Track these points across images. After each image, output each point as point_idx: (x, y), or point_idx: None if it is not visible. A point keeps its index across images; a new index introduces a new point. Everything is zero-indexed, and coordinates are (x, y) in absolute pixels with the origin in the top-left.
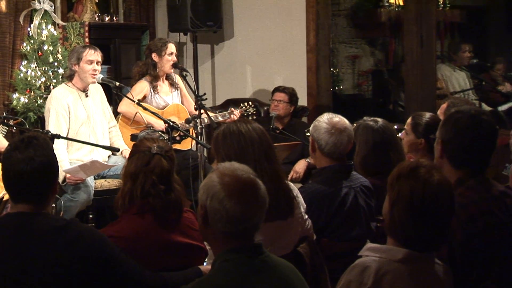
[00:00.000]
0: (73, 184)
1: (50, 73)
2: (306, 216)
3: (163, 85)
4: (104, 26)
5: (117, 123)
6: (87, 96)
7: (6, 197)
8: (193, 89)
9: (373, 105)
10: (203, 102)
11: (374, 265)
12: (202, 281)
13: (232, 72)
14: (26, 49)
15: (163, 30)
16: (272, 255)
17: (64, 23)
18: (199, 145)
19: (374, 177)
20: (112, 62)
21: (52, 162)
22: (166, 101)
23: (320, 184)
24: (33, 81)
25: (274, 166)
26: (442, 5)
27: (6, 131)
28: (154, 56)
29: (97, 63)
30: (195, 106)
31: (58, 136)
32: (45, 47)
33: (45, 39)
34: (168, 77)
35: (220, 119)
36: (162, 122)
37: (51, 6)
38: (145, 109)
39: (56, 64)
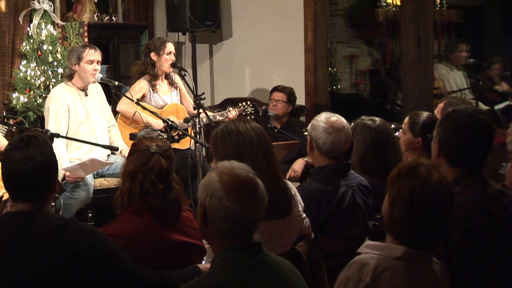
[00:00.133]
0: (72, 182)
1: (50, 73)
2: (304, 215)
3: (162, 85)
4: (103, 26)
5: (116, 122)
6: (86, 95)
7: (6, 196)
8: (192, 88)
9: (371, 104)
10: (202, 102)
11: (373, 262)
12: (202, 279)
13: (231, 71)
14: (26, 48)
15: (162, 29)
16: (271, 253)
17: (63, 23)
18: (198, 144)
19: (371, 176)
20: (111, 61)
21: (51, 161)
22: (164, 100)
23: (318, 183)
24: (33, 81)
25: (272, 165)
26: (439, 5)
27: (6, 130)
28: (153, 55)
29: (97, 62)
30: (194, 106)
31: (58, 135)
32: (45, 47)
33: (44, 38)
34: (167, 77)
35: (218, 118)
36: (160, 121)
37: (51, 6)
38: (144, 108)
39: (55, 63)
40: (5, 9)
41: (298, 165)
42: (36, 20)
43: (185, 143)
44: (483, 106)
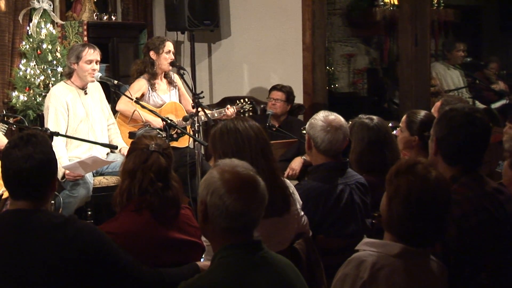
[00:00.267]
0: (72, 180)
1: (49, 72)
2: (302, 213)
3: (161, 83)
4: (103, 25)
5: (115, 121)
6: (86, 94)
7: (6, 194)
8: (191, 87)
9: (368, 103)
10: (201, 100)
11: (371, 259)
12: (202, 276)
13: (229, 70)
14: (25, 47)
15: (161, 29)
16: (271, 251)
17: (62, 22)
18: (197, 142)
19: (369, 174)
20: (110, 60)
21: (51, 160)
22: (163, 99)
23: (316, 181)
24: (32, 80)
25: (270, 163)
26: (436, 4)
27: (5, 129)
28: (152, 54)
29: (96, 62)
30: (193, 104)
31: (57, 134)
32: (44, 46)
33: (44, 37)
34: (166, 76)
35: (216, 116)
36: (159, 120)
37: (50, 5)
38: (143, 107)
39: (55, 62)
40: (4, 8)
41: (296, 163)
42: (35, 19)
43: (184, 142)
44: (480, 105)
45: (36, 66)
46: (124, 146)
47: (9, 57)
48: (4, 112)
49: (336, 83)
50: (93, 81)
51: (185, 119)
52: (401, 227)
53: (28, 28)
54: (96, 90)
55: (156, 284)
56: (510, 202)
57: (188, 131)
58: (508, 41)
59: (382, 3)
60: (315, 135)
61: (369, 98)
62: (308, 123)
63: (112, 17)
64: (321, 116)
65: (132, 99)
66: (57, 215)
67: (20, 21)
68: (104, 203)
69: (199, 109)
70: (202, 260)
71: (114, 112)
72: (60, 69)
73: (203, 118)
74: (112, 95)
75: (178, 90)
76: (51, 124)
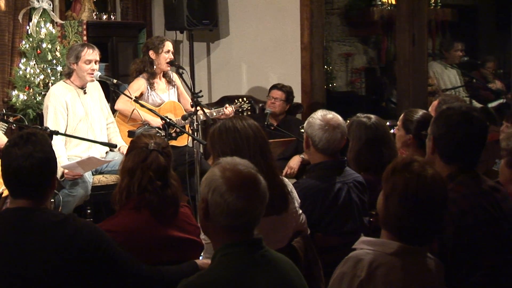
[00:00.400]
0: (71, 179)
1: (49, 71)
2: (300, 211)
3: (160, 83)
4: (102, 24)
5: (114, 120)
6: (85, 93)
7: (6, 192)
8: (190, 86)
9: (366, 102)
10: (199, 99)
11: (368, 257)
12: (203, 274)
13: (228, 69)
14: (25, 47)
15: (160, 28)
16: (271, 250)
17: (62, 22)
18: (195, 141)
19: (367, 172)
20: (110, 60)
21: (50, 158)
22: (162, 98)
23: (314, 179)
24: (32, 79)
25: (269, 162)
26: (433, 4)
27: (5, 128)
28: (151, 53)
29: (95, 62)
30: (192, 103)
31: (57, 133)
32: (44, 45)
33: (43, 37)
34: (165, 75)
35: (215, 115)
36: (158, 119)
37: (50, 5)
38: (142, 106)
39: (54, 61)
40: (4, 7)
41: (295, 162)
42: (35, 19)
43: (183, 141)
44: (477, 104)
45: (35, 65)
46: (123, 145)
47: (9, 56)
48: (4, 111)
49: (334, 82)
50: (92, 81)
51: (184, 118)
52: (398, 225)
53: (28, 27)
54: (95, 89)
55: (155, 282)
56: (507, 200)
57: (187, 130)
58: (505, 40)
59: (379, 2)
60: (313, 134)
61: (367, 97)
62: (306, 122)
63: (112, 16)
64: (319, 115)
65: (131, 98)
66: (56, 213)
67: (20, 21)
68: (103, 201)
69: (198, 108)
70: (201, 258)
71: (113, 111)
72: (59, 68)
73: (201, 117)
74: (112, 94)
75: (177, 89)
76: (50, 123)
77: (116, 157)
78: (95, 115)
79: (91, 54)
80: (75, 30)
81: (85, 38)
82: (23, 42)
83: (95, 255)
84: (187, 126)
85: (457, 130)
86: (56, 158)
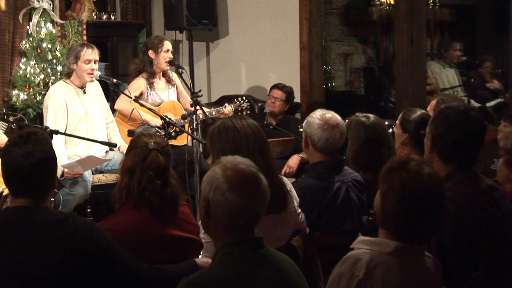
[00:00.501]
0: (71, 178)
1: (49, 70)
2: (299, 210)
3: (160, 82)
4: (102, 24)
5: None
6: (85, 93)
7: (6, 191)
8: (189, 86)
9: (365, 101)
10: (199, 99)
11: (366, 257)
12: (203, 273)
13: (227, 69)
14: (25, 46)
15: (159, 28)
16: (272, 249)
17: (62, 21)
18: (195, 140)
19: (365, 171)
20: (110, 59)
21: (50, 157)
22: (162, 98)
23: (313, 178)
24: (32, 78)
25: (268, 161)
26: (432, 4)
27: (5, 127)
28: (151, 53)
29: (94, 62)
30: (191, 103)
31: (57, 132)
32: (44, 45)
33: (43, 37)
34: (165, 74)
35: (214, 114)
36: (158, 118)
37: (50, 5)
38: (142, 105)
39: (54, 61)
40: (5, 7)
41: (293, 161)
42: (35, 19)
43: (182, 140)
44: (475, 103)
45: (36, 65)
46: (123, 144)
47: (9, 56)
48: (4, 111)
49: (333, 81)
50: (92, 81)
51: (183, 117)
52: (395, 224)
53: (28, 27)
54: (95, 89)
55: (154, 281)
56: (505, 199)
57: (186, 129)
58: (503, 40)
59: (378, 2)
60: (312, 133)
61: (365, 97)
62: (305, 122)
63: (111, 16)
64: (318, 115)
65: (131, 98)
66: (56, 212)
67: (20, 20)
68: (103, 200)
69: (197, 107)
70: (200, 257)
71: (113, 111)
72: (59, 68)
73: (201, 117)
74: (111, 93)
75: (177, 88)
76: (50, 123)
77: (116, 156)
78: (94, 115)
79: (91, 54)
80: (75, 30)
81: (85, 38)
82: (23, 42)
83: (95, 254)
84: (186, 126)
85: (455, 129)
86: (56, 158)
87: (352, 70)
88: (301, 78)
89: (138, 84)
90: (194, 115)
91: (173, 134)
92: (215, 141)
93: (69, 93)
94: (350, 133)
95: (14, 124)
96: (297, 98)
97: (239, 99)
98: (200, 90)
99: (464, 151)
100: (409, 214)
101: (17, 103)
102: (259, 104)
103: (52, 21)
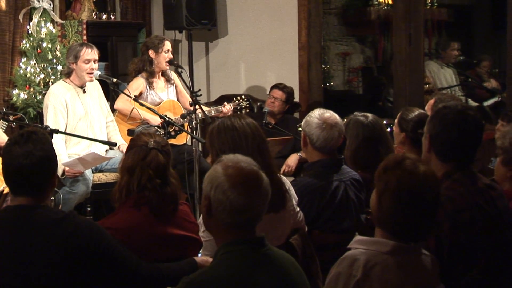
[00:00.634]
0: (71, 177)
1: (49, 70)
2: (298, 209)
3: (159, 81)
4: (102, 24)
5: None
6: (84, 92)
7: (6, 190)
8: (188, 85)
9: (363, 100)
10: (198, 98)
11: (363, 257)
12: (204, 272)
13: (226, 69)
14: (26, 46)
15: (159, 28)
16: (273, 248)
17: (62, 21)
18: (194, 140)
19: (364, 170)
20: (109, 59)
21: (51, 156)
22: (161, 97)
23: (312, 177)
24: (32, 78)
25: (267, 160)
26: (429, 4)
27: (6, 126)
28: (151, 52)
29: (94, 61)
30: (190, 102)
31: (57, 131)
32: (44, 45)
33: (44, 36)
34: (164, 74)
35: (213, 113)
36: (157, 118)
37: (50, 5)
38: (141, 105)
39: (54, 61)
40: (5, 7)
41: (292, 160)
42: (35, 18)
43: (182, 139)
44: (472, 103)
45: (36, 64)
46: (123, 143)
47: (9, 56)
48: (5, 110)
49: (331, 81)
50: (91, 81)
51: (183, 116)
52: (391, 222)
53: (28, 27)
54: (94, 88)
55: (154, 279)
56: (502, 198)
57: (186, 128)
58: (500, 39)
59: (376, 2)
60: (310, 132)
61: (364, 96)
62: (304, 121)
63: (111, 16)
64: (317, 114)
65: (130, 97)
66: (57, 210)
67: (21, 20)
68: (103, 199)
69: (197, 106)
70: (199, 255)
71: (113, 110)
72: (60, 68)
73: (200, 116)
74: (111, 93)
75: (176, 87)
76: (50, 122)
77: (116, 155)
78: (94, 114)
79: (90, 53)
80: (75, 29)
81: (85, 37)
82: (24, 42)
83: (95, 252)
84: (186, 125)
85: (452, 128)
86: (56, 156)
87: (351, 70)
88: (300, 77)
89: (138, 84)
90: (194, 114)
91: (172, 133)
92: (214, 140)
93: (69, 93)
94: (348, 132)
95: (14, 123)
96: (296, 98)
97: (238, 98)
98: (199, 90)
99: (461, 150)
100: (405, 213)
101: (18, 103)
102: (258, 104)
103: (52, 21)
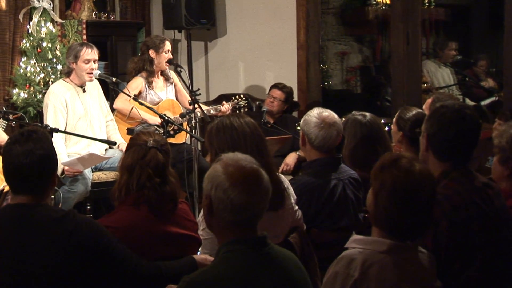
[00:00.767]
0: (71, 176)
1: (49, 69)
2: (297, 207)
3: (158, 81)
4: (101, 23)
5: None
6: (84, 91)
7: (7, 188)
8: (188, 84)
9: (361, 100)
10: (197, 97)
11: (360, 257)
12: (205, 271)
13: (225, 68)
14: (26, 45)
15: (158, 27)
16: (275, 246)
17: (62, 21)
18: (193, 138)
19: (362, 169)
20: (109, 58)
21: (51, 155)
22: (160, 96)
23: (310, 176)
24: (33, 77)
25: (265, 159)
26: (427, 4)
27: (6, 125)
28: (151, 52)
29: (94, 61)
30: (189, 101)
31: (57, 130)
32: (44, 44)
33: (44, 36)
34: (163, 73)
35: (212, 112)
36: (156, 117)
37: (50, 4)
38: (141, 104)
39: (54, 60)
40: (5, 7)
41: (291, 159)
42: (35, 18)
43: (181, 138)
44: (469, 102)
45: (36, 64)
46: (122, 142)
47: (9, 55)
48: (5, 109)
49: (329, 80)
50: (91, 81)
51: (182, 115)
52: (388, 221)
53: (28, 26)
54: (94, 88)
55: (154, 277)
56: (499, 196)
57: (185, 127)
58: (497, 39)
59: (374, 2)
60: (309, 131)
61: (362, 95)
62: (302, 120)
63: (111, 16)
64: (315, 113)
65: (130, 97)
66: (56, 209)
67: (21, 20)
68: (103, 197)
69: (196, 105)
70: (198, 253)
71: (113, 109)
72: (59, 67)
73: (199, 115)
74: (111, 92)
75: (175, 86)
76: (50, 121)
77: (116, 154)
78: (94, 113)
79: (90, 53)
80: (75, 29)
81: (84, 37)
82: (24, 41)
83: (95, 251)
84: (185, 124)
85: (450, 127)
86: (56, 155)
87: (349, 69)
88: (298, 76)
89: (137, 83)
90: (193, 114)
91: (171, 132)
92: (213, 139)
93: (68, 92)
94: (346, 131)
95: (15, 123)
96: (295, 97)
97: (237, 97)
98: (198, 89)
99: (458, 149)
100: (401, 211)
101: (18, 102)
102: (257, 103)
103: (52, 21)
